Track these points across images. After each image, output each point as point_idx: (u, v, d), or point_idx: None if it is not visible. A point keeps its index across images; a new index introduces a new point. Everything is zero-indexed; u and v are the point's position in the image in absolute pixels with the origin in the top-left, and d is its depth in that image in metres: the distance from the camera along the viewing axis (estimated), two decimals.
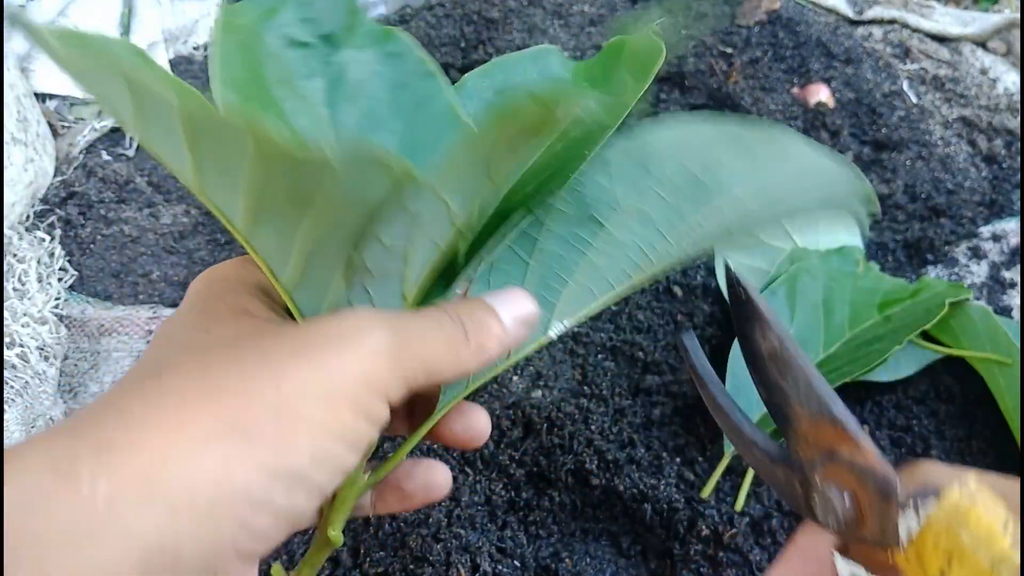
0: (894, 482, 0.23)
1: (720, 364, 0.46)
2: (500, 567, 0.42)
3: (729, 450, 0.45)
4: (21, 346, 0.51)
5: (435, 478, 0.32)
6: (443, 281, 0.28)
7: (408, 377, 0.24)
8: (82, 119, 0.68)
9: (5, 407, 0.48)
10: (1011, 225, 0.61)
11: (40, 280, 0.55)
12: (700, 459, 0.47)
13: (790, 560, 0.27)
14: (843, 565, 0.24)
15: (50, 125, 0.66)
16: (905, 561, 0.23)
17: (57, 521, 0.18)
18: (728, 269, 0.28)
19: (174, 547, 0.20)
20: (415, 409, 0.33)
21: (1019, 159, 0.68)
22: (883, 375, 0.49)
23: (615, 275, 0.28)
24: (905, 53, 0.78)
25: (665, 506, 0.44)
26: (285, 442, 0.21)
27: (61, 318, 0.54)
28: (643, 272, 0.28)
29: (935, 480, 0.23)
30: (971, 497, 0.21)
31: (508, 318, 0.27)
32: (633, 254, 0.28)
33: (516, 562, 0.43)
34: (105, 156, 0.65)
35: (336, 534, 0.28)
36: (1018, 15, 0.78)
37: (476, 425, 0.31)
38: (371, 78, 0.26)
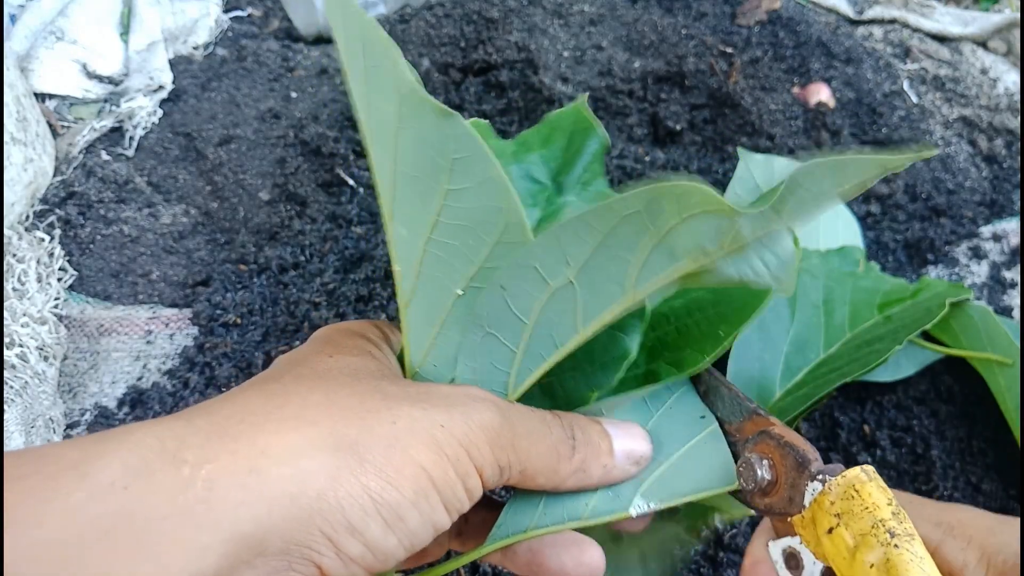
0: (811, 457, 0.26)
1: (721, 363, 0.46)
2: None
3: None
4: (21, 346, 0.51)
5: (586, 558, 0.29)
6: (548, 398, 0.29)
7: (503, 465, 0.24)
8: (81, 119, 0.68)
9: (4, 407, 0.48)
10: (1012, 225, 0.61)
11: (39, 280, 0.55)
12: None
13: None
14: (775, 546, 0.27)
15: (50, 125, 0.66)
16: (801, 522, 0.26)
17: (155, 499, 0.19)
18: None
19: (263, 541, 0.20)
20: (464, 528, 0.31)
21: (1019, 159, 0.67)
22: (883, 375, 0.49)
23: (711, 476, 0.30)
24: (905, 53, 0.78)
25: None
26: (393, 474, 0.22)
27: (60, 318, 0.54)
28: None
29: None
30: (869, 475, 0.25)
31: (621, 450, 0.27)
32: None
33: None
34: (104, 156, 0.65)
35: None
36: (1018, 15, 0.78)
37: (590, 561, 0.29)
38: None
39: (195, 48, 0.77)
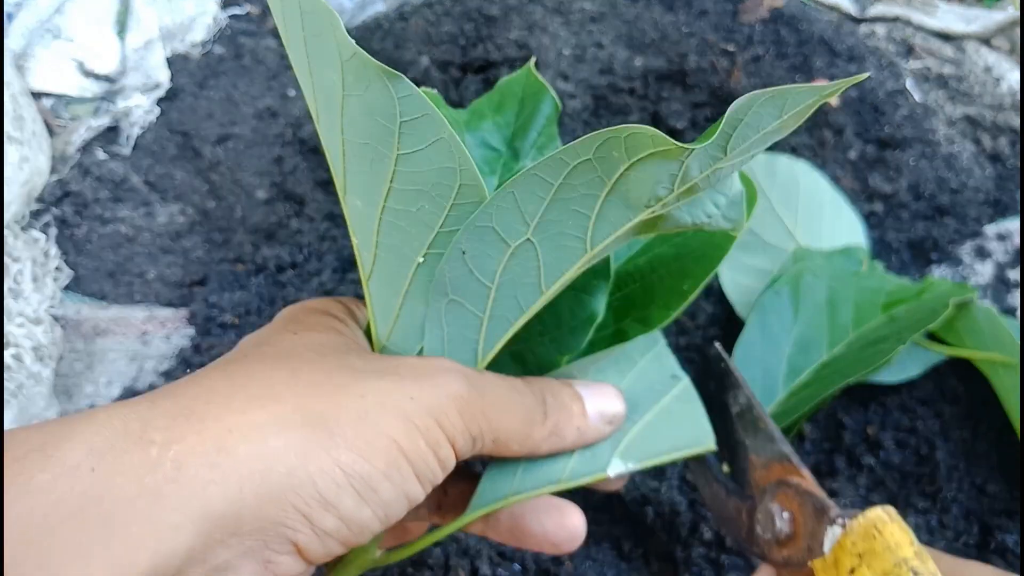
0: (828, 503, 0.27)
1: None
2: (500, 570, 0.42)
3: None
4: (16, 347, 0.51)
5: (568, 522, 0.29)
6: (518, 365, 0.29)
7: (475, 435, 0.24)
8: (78, 117, 0.68)
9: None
10: (1016, 224, 0.60)
11: (35, 280, 0.55)
12: None
13: None
14: None
15: (46, 123, 0.65)
16: (822, 566, 0.26)
17: (123, 480, 0.18)
18: (713, 347, 0.33)
19: (235, 520, 0.19)
20: (444, 500, 0.31)
21: (1021, 158, 0.67)
22: (887, 376, 0.49)
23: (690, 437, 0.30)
24: (908, 51, 0.77)
25: (667, 509, 0.43)
26: (364, 447, 0.21)
27: (56, 318, 0.54)
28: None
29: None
30: (890, 515, 0.25)
31: (593, 411, 0.27)
32: None
33: (516, 565, 0.42)
34: (101, 155, 0.65)
35: None
36: (1021, 13, 0.77)
37: (571, 524, 0.29)
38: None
39: (192, 46, 0.76)
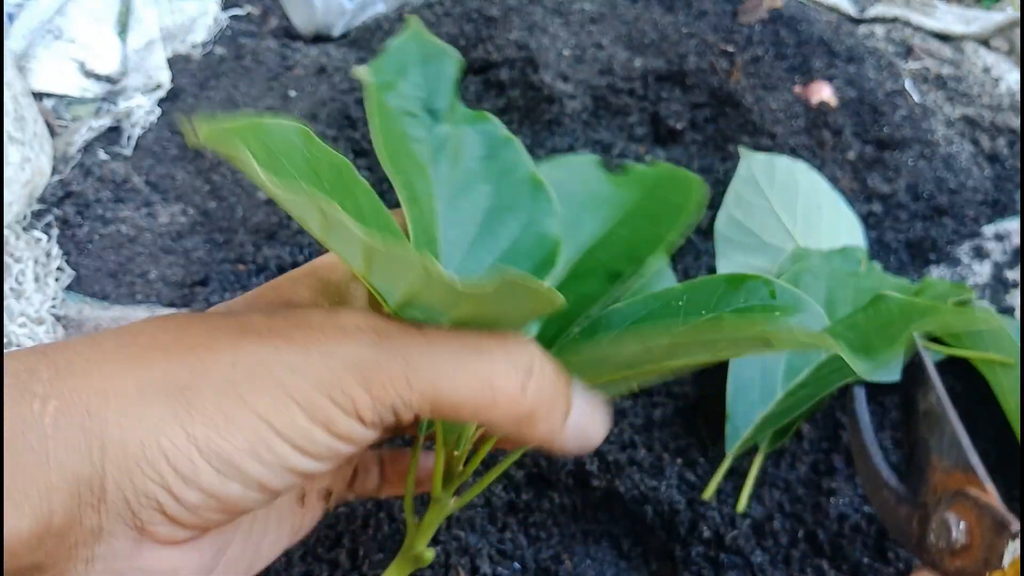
0: (1010, 517, 0.27)
1: (723, 363, 0.45)
2: (500, 569, 0.42)
3: (731, 451, 0.44)
4: (18, 346, 0.51)
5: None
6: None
7: (396, 404, 0.21)
8: (79, 118, 0.68)
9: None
10: (1014, 225, 0.60)
11: (37, 280, 0.55)
12: (701, 460, 0.46)
13: None
14: None
15: (47, 124, 0.66)
16: None
17: (12, 430, 0.18)
18: (914, 342, 0.33)
19: (100, 486, 0.19)
20: (392, 470, 0.32)
21: (1021, 158, 0.67)
22: (886, 376, 0.49)
23: None
24: (907, 51, 0.78)
25: (666, 508, 0.44)
26: (223, 422, 0.20)
27: (58, 318, 0.54)
28: None
29: None
30: None
31: (575, 424, 0.23)
32: None
33: (516, 564, 0.42)
34: (102, 155, 0.65)
35: (422, 551, 0.29)
36: (1020, 14, 0.78)
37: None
38: (465, 148, 0.31)
39: (193, 47, 0.76)
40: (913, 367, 0.32)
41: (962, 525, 0.28)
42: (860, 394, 0.35)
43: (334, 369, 0.20)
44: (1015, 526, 0.26)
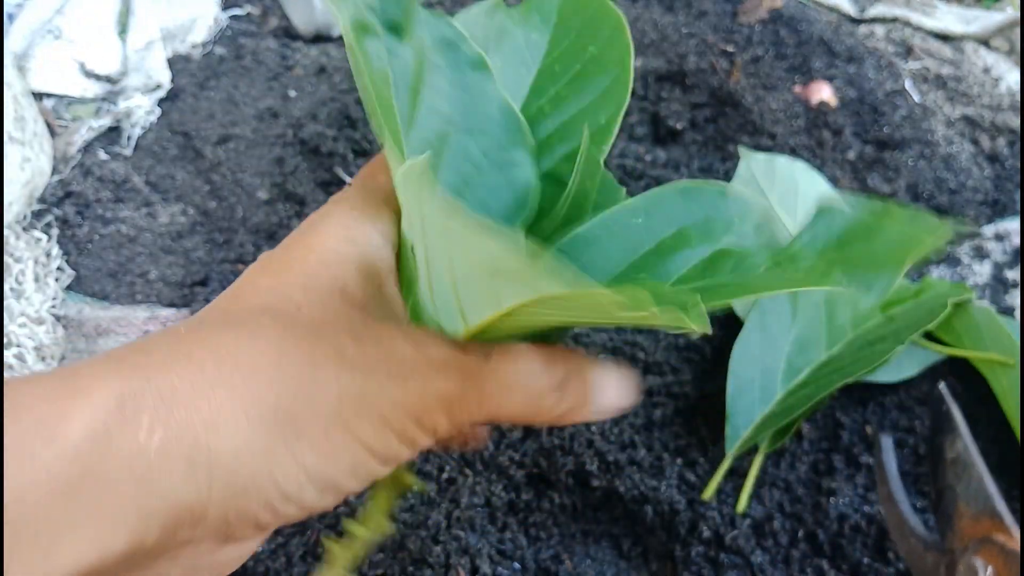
0: None
1: (723, 363, 0.45)
2: (500, 569, 0.42)
3: (731, 451, 0.44)
4: (18, 346, 0.51)
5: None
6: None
7: (464, 424, 0.24)
8: (79, 118, 0.68)
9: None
10: (1014, 225, 0.60)
11: (37, 280, 0.55)
12: (701, 460, 0.46)
13: None
14: None
15: (47, 124, 0.66)
16: None
17: (116, 460, 0.19)
18: (937, 388, 0.33)
19: (201, 511, 0.20)
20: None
21: (1021, 158, 0.67)
22: (885, 376, 0.49)
23: None
24: (907, 51, 0.78)
25: (666, 508, 0.44)
26: (331, 451, 0.22)
27: (58, 318, 0.54)
28: None
29: None
30: None
31: (608, 404, 0.26)
32: None
33: (516, 564, 0.42)
34: (103, 155, 0.65)
35: (404, 475, 0.29)
36: (1020, 14, 0.78)
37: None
38: (433, 70, 0.28)
39: (193, 47, 0.76)
40: (940, 415, 0.33)
41: (989, 570, 0.28)
42: (887, 443, 0.35)
43: (427, 402, 0.23)
44: None
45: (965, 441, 0.30)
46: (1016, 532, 0.28)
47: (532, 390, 0.24)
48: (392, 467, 0.24)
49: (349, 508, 0.43)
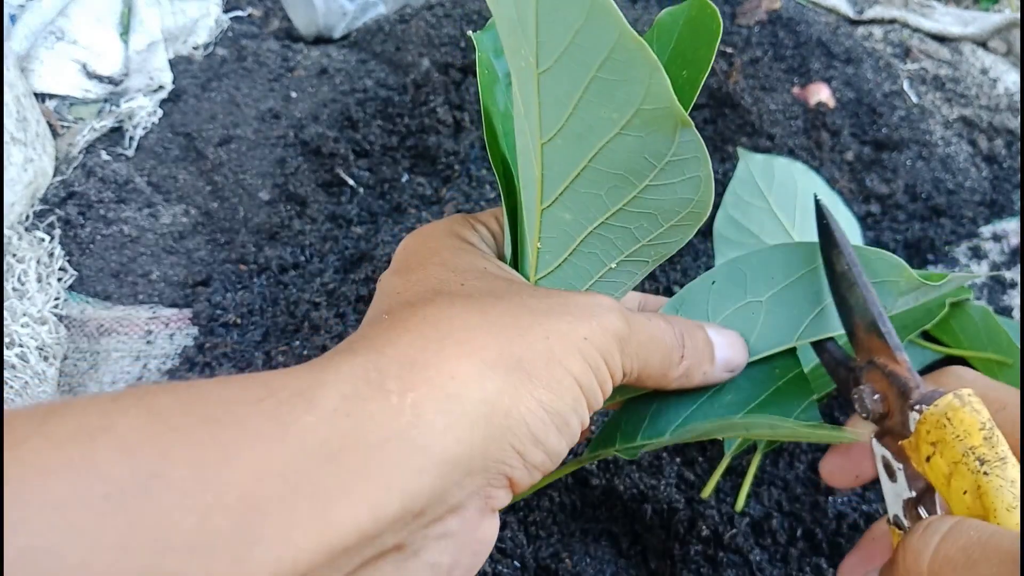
0: (912, 387, 0.27)
1: None
2: (500, 567, 0.42)
3: (729, 450, 0.45)
4: (21, 346, 0.51)
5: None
6: (574, 270, 0.30)
7: (628, 371, 0.26)
8: (81, 119, 0.68)
9: (4, 407, 0.48)
10: (1012, 225, 0.61)
11: (39, 280, 0.55)
12: (700, 459, 0.47)
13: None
14: (877, 448, 0.29)
15: (49, 125, 0.66)
16: (909, 447, 0.27)
17: (373, 425, 0.20)
18: (816, 200, 0.32)
19: (467, 461, 0.22)
20: None
21: (1019, 159, 0.67)
22: None
23: None
24: (905, 53, 0.78)
25: (665, 506, 0.44)
26: (556, 386, 0.23)
27: (60, 318, 0.54)
28: None
29: (950, 385, 0.27)
30: (961, 401, 0.25)
31: (722, 359, 0.29)
32: None
33: (516, 562, 0.43)
34: (104, 156, 0.65)
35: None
36: (1018, 15, 0.78)
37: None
38: None
39: (195, 48, 0.77)
40: (824, 229, 0.31)
41: (876, 396, 0.28)
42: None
43: (608, 338, 0.25)
44: (915, 395, 0.27)
45: (848, 258, 0.30)
46: (901, 355, 0.28)
47: (665, 344, 0.27)
48: (591, 413, 0.25)
49: None
